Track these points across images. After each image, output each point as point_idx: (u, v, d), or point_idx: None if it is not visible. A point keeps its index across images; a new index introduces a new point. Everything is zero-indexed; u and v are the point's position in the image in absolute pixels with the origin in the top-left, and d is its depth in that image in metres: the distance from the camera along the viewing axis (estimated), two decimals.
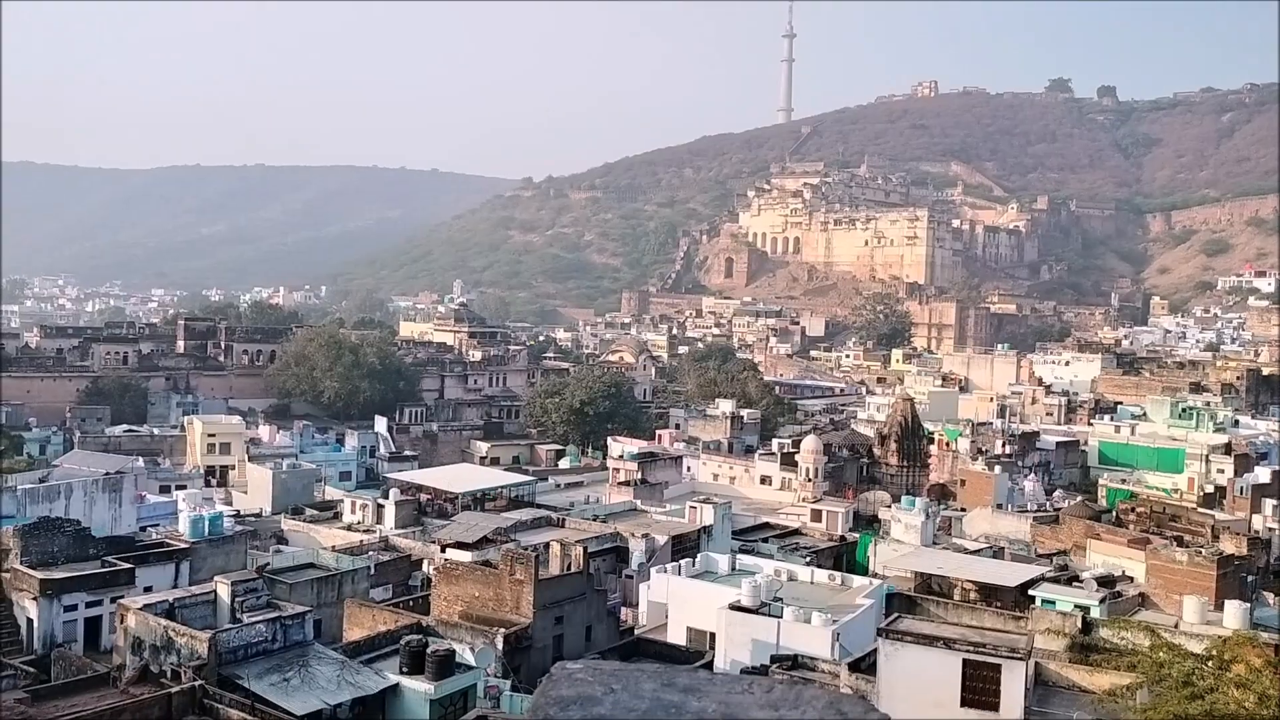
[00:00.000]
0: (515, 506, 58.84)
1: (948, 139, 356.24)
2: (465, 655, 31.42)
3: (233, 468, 72.09)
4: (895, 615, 30.16)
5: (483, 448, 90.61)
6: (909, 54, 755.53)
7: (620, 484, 67.91)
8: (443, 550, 45.73)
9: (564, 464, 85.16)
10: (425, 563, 46.76)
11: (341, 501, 58.36)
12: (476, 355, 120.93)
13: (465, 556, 42.54)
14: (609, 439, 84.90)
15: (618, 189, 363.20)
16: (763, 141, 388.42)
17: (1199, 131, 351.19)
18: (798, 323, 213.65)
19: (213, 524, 46.33)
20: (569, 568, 40.69)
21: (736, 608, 35.04)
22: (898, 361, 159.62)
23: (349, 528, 53.82)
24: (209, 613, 31.77)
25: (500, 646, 33.12)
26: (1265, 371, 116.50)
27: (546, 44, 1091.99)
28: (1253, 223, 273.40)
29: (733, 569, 41.67)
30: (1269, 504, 68.27)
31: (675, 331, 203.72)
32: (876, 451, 75.37)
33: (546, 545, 44.18)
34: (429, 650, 29.37)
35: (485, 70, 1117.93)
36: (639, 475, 69.03)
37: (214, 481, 70.11)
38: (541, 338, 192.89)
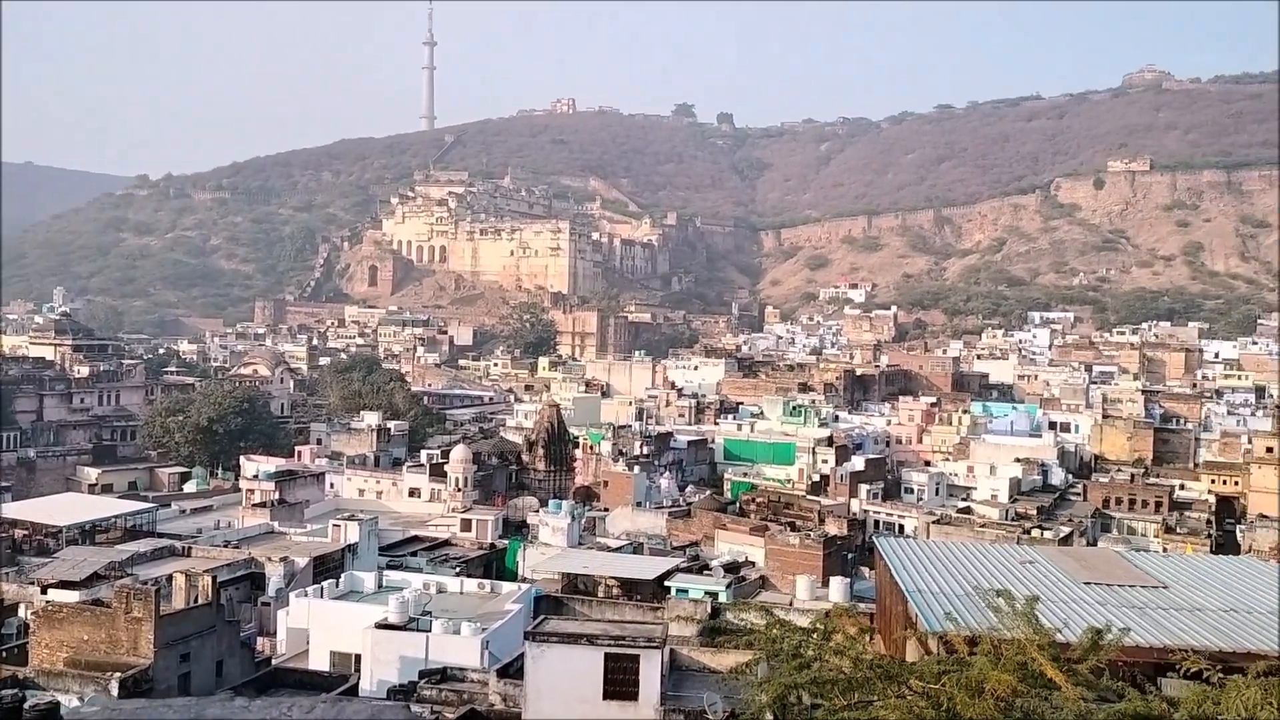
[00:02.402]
0: (133, 537, 53.46)
1: (586, 155, 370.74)
2: (73, 706, 27.97)
3: None
4: (542, 618, 30.78)
5: (92, 474, 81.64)
6: (548, 70, 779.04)
7: (255, 506, 63.79)
8: (44, 591, 40.52)
9: (190, 487, 78.75)
10: (22, 607, 41.24)
11: None
12: (83, 371, 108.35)
13: (72, 596, 37.99)
14: (242, 458, 79.51)
15: (248, 190, 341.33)
16: (406, 147, 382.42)
17: (802, 158, 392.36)
18: (445, 332, 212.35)
19: None
20: (196, 600, 37.64)
21: (383, 625, 34.15)
22: (544, 369, 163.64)
23: None
24: None
25: (116, 692, 29.87)
26: (859, 372, 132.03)
27: (167, 32, 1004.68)
28: (846, 240, 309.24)
29: (380, 586, 40.57)
30: (864, 489, 77.56)
31: (316, 342, 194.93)
32: (525, 458, 76.68)
33: (169, 577, 40.61)
34: (26, 704, 25.80)
35: (91, 55, 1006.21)
36: (276, 495, 65.25)
37: None
38: (162, 350, 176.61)
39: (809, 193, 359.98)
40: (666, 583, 46.86)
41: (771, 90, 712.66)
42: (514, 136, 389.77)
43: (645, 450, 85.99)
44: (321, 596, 38.82)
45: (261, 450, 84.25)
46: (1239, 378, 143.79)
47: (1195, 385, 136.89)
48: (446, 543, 57.56)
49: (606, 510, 67.73)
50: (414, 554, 53.29)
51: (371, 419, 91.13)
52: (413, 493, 71.97)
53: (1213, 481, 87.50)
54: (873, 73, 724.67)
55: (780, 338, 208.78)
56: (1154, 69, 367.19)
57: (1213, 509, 79.86)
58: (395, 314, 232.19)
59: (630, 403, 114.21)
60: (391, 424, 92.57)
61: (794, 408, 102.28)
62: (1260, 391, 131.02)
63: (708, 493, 76.65)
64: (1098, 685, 16.95)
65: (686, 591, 45.50)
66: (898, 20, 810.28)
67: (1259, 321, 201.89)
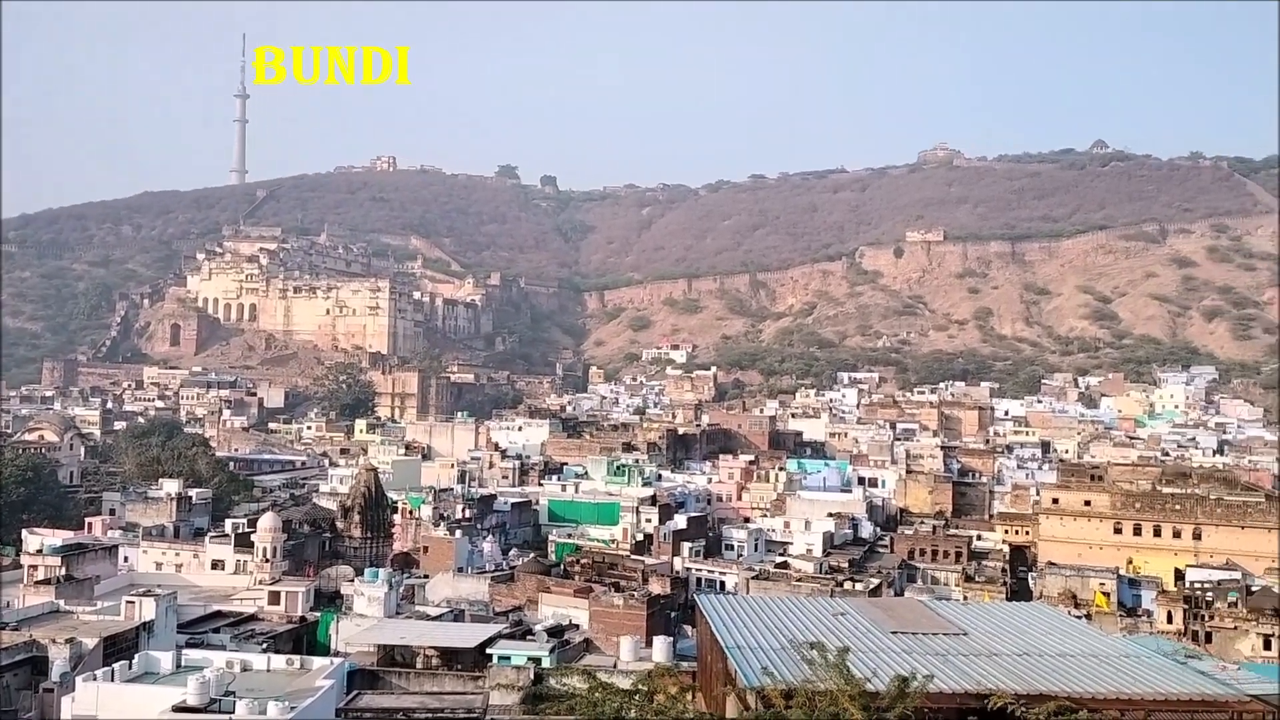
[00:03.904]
0: None
1: (407, 213, 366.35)
2: None
3: None
4: (355, 693, 29.52)
5: None
6: (367, 127, 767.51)
7: (39, 583, 58.53)
8: None
9: None
10: None
11: None
12: None
13: None
14: (24, 531, 73.02)
15: (38, 244, 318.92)
16: (214, 201, 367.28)
17: (625, 221, 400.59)
18: (255, 393, 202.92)
19: None
20: None
21: (181, 709, 31.87)
22: (361, 431, 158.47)
23: None
24: None
25: None
26: (681, 431, 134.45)
27: None
28: (668, 302, 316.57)
29: (178, 666, 37.86)
30: (686, 547, 78.47)
31: (110, 405, 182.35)
32: (340, 525, 73.68)
33: None
34: None
35: None
36: (63, 571, 60.12)
37: None
38: None
39: (631, 255, 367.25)
40: (489, 650, 45.80)
41: (594, 154, 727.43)
42: (331, 193, 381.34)
43: (467, 513, 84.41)
44: (112, 680, 35.87)
45: (47, 522, 77.73)
46: (1027, 434, 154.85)
47: (988, 441, 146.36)
48: (253, 617, 54.32)
49: (427, 577, 65.81)
50: (216, 630, 50.02)
51: (171, 487, 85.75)
52: (216, 565, 67.85)
53: (1006, 531, 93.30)
54: (691, 141, 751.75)
55: (604, 398, 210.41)
56: (945, 147, 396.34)
57: (1006, 558, 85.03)
58: (199, 375, 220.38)
59: (452, 465, 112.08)
60: (193, 492, 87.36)
61: (618, 467, 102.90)
62: (1046, 446, 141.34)
63: (532, 555, 75.74)
64: None
65: (509, 658, 44.58)
66: (711, 92, 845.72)
67: (1042, 381, 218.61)
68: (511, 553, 78.04)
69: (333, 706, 30.76)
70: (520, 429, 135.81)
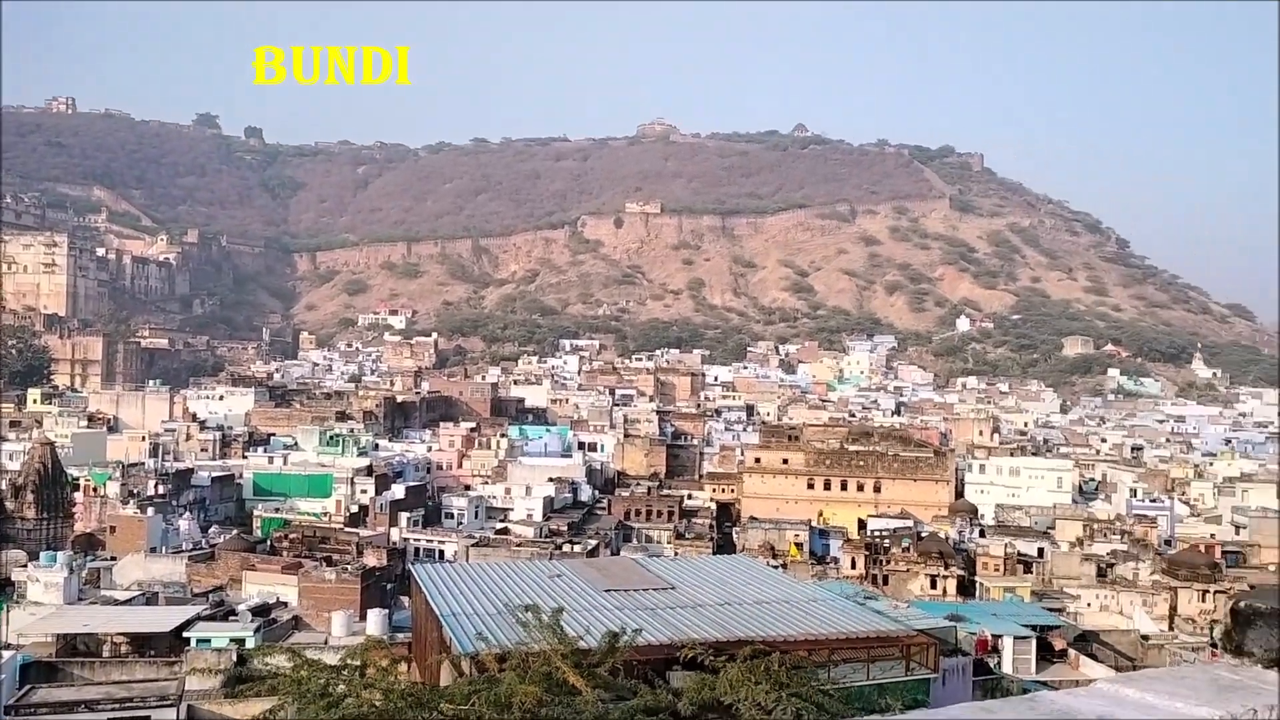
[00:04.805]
0: None
1: (89, 161, 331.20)
2: None
3: None
4: (28, 688, 26.71)
5: None
6: (38, 63, 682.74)
7: None
8: None
9: None
10: None
11: None
12: None
13: None
14: None
15: None
16: None
17: (338, 180, 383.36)
18: None
19: None
20: None
21: None
22: (35, 402, 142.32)
23: None
24: None
25: None
26: (400, 399, 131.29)
27: None
28: (386, 266, 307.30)
29: None
30: (404, 517, 77.09)
31: None
32: (10, 505, 66.09)
33: None
34: None
35: None
36: None
37: None
38: None
39: (346, 215, 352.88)
40: (186, 634, 42.90)
41: (305, 108, 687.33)
42: None
43: (161, 490, 78.35)
44: None
45: None
46: (734, 398, 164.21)
47: (699, 405, 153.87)
48: None
49: (114, 559, 60.59)
50: None
51: None
52: None
53: (714, 490, 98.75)
54: (410, 99, 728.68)
55: (316, 365, 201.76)
56: (663, 122, 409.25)
57: (714, 514, 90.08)
58: None
59: (144, 438, 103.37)
60: None
61: (331, 437, 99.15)
62: (750, 409, 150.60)
63: (235, 532, 71.57)
64: (615, 685, 18.21)
65: (209, 641, 41.96)
66: (430, 50, 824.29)
67: (748, 349, 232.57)
68: (212, 530, 73.44)
69: (1, 704, 27.66)
70: (222, 398, 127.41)
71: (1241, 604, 3.14)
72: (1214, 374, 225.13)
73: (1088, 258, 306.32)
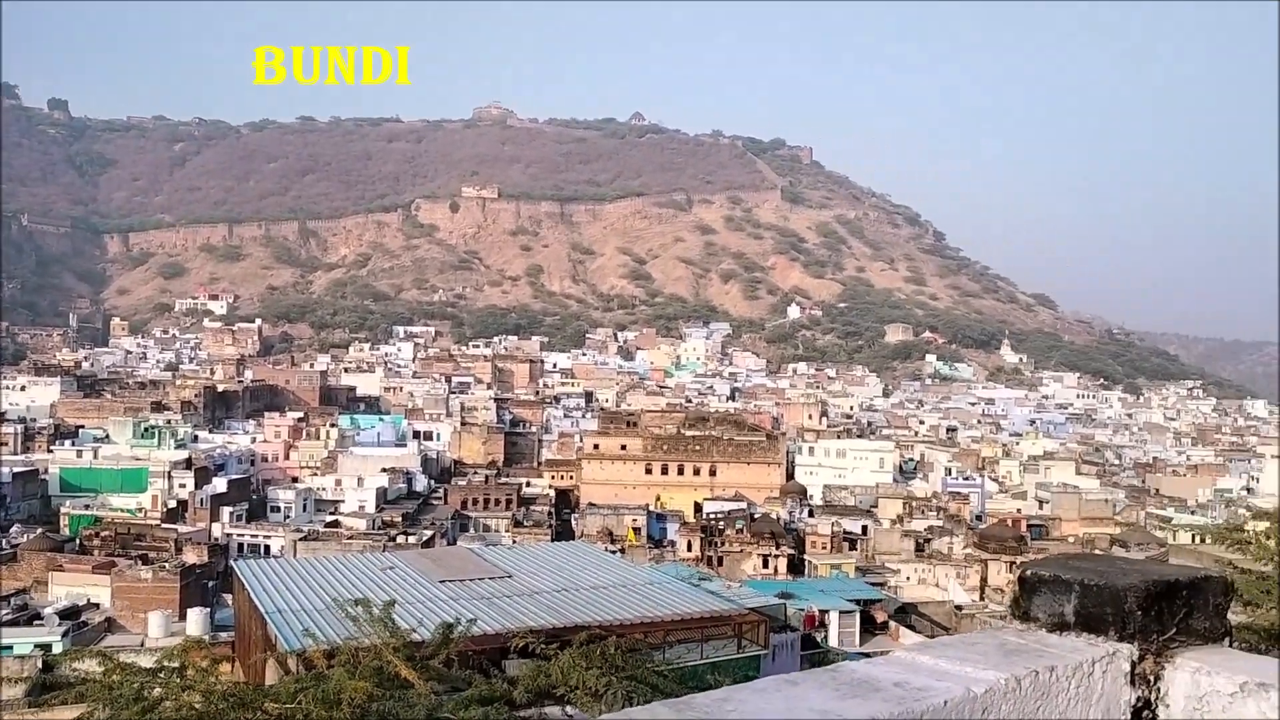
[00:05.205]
0: None
1: None
2: None
3: None
4: None
5: None
6: None
7: None
8: None
9: None
10: None
11: None
12: None
13: None
14: None
15: None
16: None
17: (153, 157, 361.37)
18: None
19: None
20: None
21: None
22: None
23: None
24: None
25: None
26: (221, 388, 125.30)
27: None
28: (205, 248, 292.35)
29: None
30: (227, 511, 73.79)
31: None
32: None
33: None
34: None
35: None
36: None
37: None
38: None
39: (162, 195, 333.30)
40: None
41: (112, 79, 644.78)
42: None
43: None
44: None
45: None
46: (573, 384, 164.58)
47: (538, 393, 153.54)
48: None
49: None
50: None
51: None
52: None
53: (553, 477, 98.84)
54: (230, 74, 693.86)
55: (130, 353, 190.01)
56: (499, 105, 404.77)
57: (552, 501, 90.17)
58: None
59: None
60: None
61: (146, 429, 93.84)
62: (589, 396, 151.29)
63: (40, 531, 66.86)
64: (449, 677, 17.93)
65: (10, 648, 39.12)
66: (254, 24, 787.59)
67: (587, 336, 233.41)
68: (14, 529, 68.33)
69: None
70: (24, 388, 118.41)
71: (1028, 572, 3.33)
72: (1020, 359, 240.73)
73: (908, 249, 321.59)
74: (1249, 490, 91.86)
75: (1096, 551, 51.47)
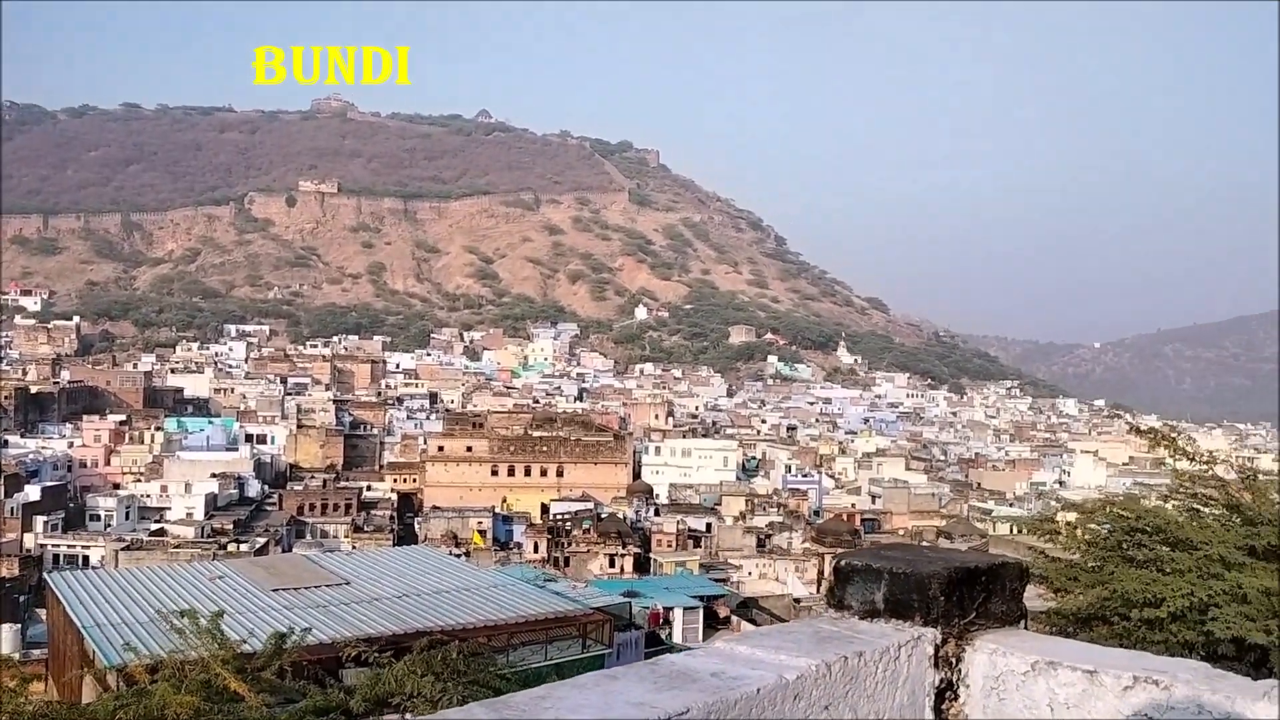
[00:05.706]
0: None
1: None
2: None
3: None
4: None
5: None
6: None
7: None
8: None
9: None
10: None
11: None
12: None
13: None
14: None
15: None
16: None
17: None
18: None
19: None
20: None
21: None
22: None
23: None
24: None
25: None
26: (34, 390, 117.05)
27: None
28: (17, 240, 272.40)
29: None
30: (41, 521, 69.10)
31: None
32: None
33: None
34: None
35: None
36: None
37: None
38: None
39: None
40: None
41: None
42: None
43: None
44: None
45: None
46: (416, 385, 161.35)
47: (380, 394, 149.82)
48: None
49: None
50: None
51: None
52: None
53: (395, 480, 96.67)
54: (50, 57, 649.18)
55: None
56: (339, 98, 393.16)
57: (395, 505, 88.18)
58: None
59: None
60: None
61: None
62: (434, 397, 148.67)
63: None
64: (282, 688, 17.34)
65: None
66: (76, 6, 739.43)
67: (431, 335, 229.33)
68: None
69: None
70: None
71: (842, 562, 3.46)
72: (855, 360, 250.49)
73: (751, 253, 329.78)
74: (1061, 484, 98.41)
75: (924, 544, 54.13)
